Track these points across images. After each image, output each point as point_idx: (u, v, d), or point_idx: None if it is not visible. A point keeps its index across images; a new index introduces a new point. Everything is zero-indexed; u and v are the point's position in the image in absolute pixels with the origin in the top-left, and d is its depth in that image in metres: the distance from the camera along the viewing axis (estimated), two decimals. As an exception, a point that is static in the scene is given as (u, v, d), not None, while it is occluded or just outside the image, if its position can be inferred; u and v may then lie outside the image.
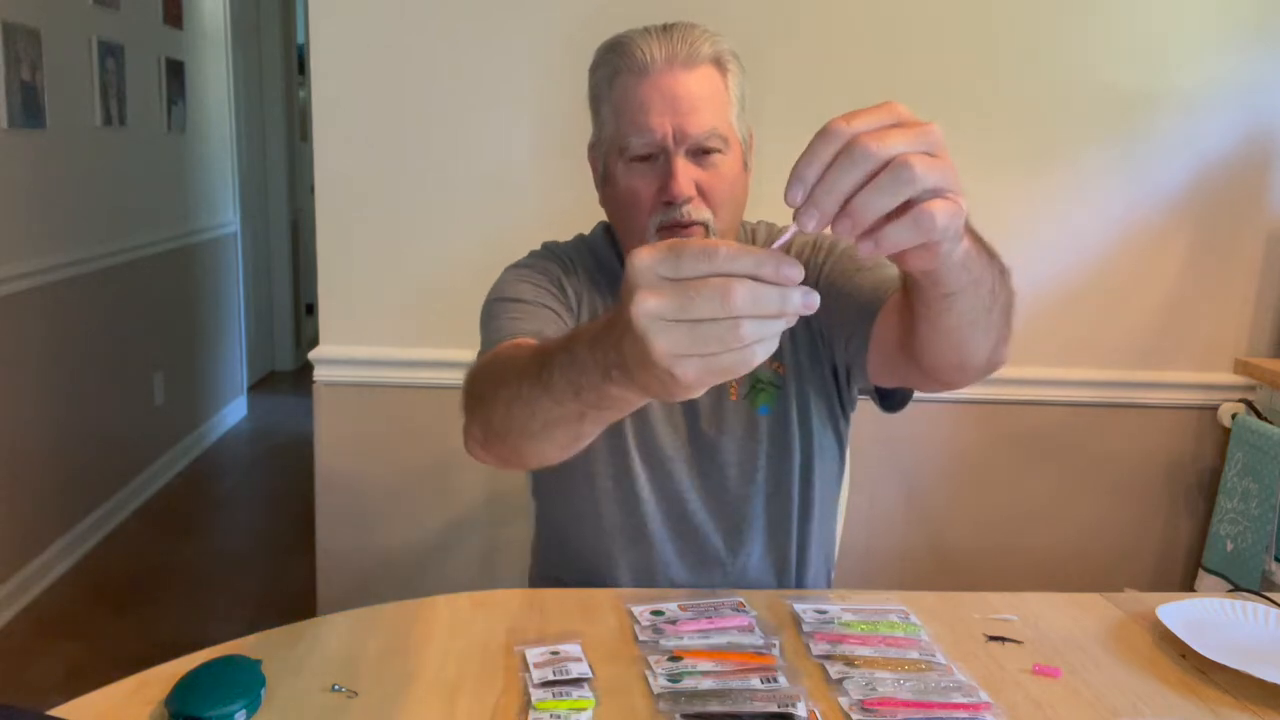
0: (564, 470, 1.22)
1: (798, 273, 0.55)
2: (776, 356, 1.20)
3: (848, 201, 0.56)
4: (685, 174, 1.08)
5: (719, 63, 1.12)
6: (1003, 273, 0.82)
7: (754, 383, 1.20)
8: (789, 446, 1.21)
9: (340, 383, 1.96)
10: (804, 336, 1.20)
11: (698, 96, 1.08)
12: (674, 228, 1.08)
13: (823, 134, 0.56)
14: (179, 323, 3.86)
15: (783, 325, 0.56)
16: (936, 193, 0.57)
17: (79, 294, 3.02)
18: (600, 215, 1.24)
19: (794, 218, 0.57)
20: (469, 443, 0.94)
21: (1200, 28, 1.95)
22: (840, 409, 1.24)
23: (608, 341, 0.63)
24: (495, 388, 0.86)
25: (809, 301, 0.55)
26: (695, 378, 0.56)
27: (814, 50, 1.89)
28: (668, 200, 1.08)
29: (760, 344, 0.55)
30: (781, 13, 1.88)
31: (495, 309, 1.15)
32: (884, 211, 0.57)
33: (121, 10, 3.26)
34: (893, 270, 1.07)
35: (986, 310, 0.82)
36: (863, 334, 1.07)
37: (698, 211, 1.08)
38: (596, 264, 1.24)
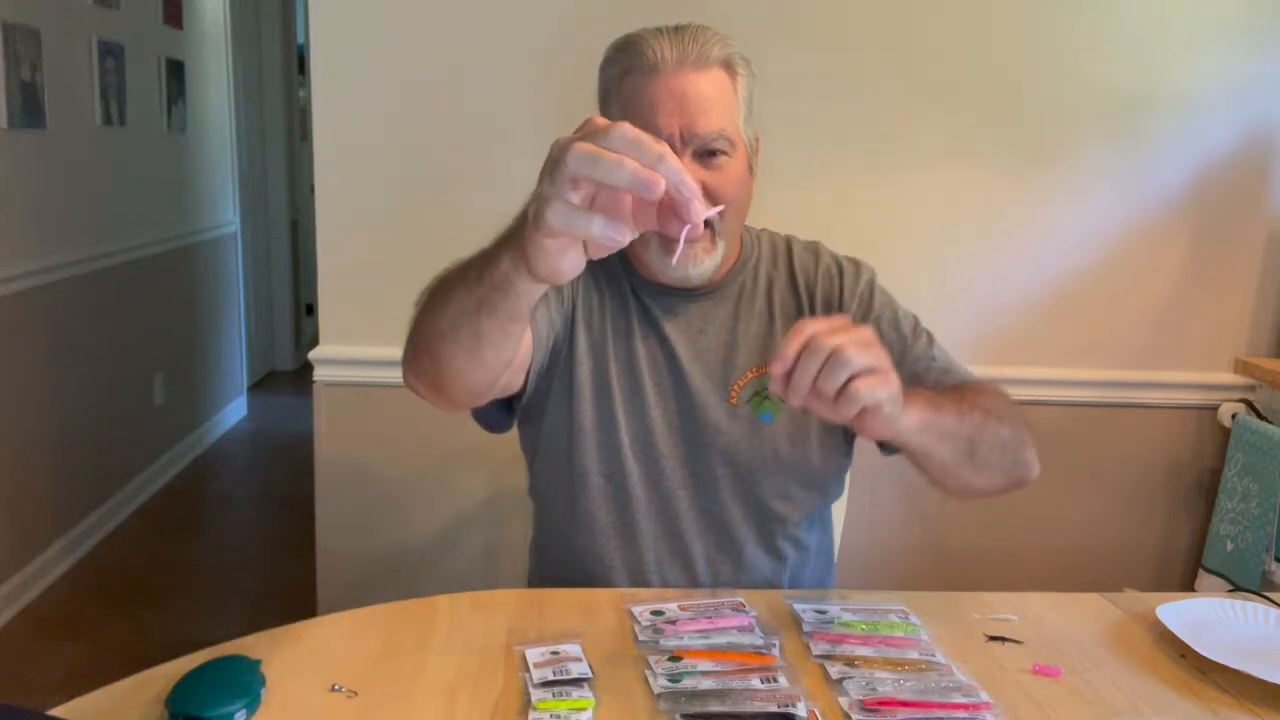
0: (560, 469, 1.22)
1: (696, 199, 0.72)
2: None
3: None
4: (691, 174, 1.07)
5: (729, 66, 1.12)
6: (984, 424, 0.97)
7: (758, 390, 1.20)
8: None
9: (340, 383, 1.96)
10: None
11: (706, 98, 1.08)
12: None
13: (796, 334, 0.83)
14: (179, 323, 3.85)
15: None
16: (870, 371, 0.82)
17: (79, 294, 3.02)
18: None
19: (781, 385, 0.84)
20: (405, 374, 1.01)
21: (1199, 28, 1.94)
22: (843, 429, 1.24)
23: (522, 214, 0.73)
24: (427, 299, 0.95)
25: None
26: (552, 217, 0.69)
27: (813, 53, 1.89)
28: None
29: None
30: (781, 16, 1.87)
31: None
32: (835, 388, 0.81)
33: (121, 10, 3.26)
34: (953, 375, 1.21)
35: (967, 457, 0.95)
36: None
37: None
38: (598, 261, 1.24)
